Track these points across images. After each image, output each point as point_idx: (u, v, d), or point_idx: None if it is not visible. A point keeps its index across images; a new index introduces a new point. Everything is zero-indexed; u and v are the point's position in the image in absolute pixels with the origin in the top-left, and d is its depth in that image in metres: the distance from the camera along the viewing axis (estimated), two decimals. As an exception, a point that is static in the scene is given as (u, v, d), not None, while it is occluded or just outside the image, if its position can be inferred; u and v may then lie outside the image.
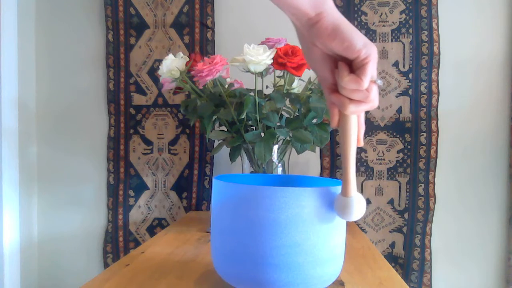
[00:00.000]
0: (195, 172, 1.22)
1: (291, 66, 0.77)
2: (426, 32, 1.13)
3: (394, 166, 1.16)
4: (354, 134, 0.44)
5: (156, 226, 1.24)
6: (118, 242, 1.24)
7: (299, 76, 0.80)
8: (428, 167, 1.14)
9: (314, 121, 0.87)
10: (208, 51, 1.20)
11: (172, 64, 0.87)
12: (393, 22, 1.15)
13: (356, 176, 1.17)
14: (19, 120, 1.22)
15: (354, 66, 0.41)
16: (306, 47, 0.43)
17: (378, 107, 1.16)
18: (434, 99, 1.14)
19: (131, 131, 1.24)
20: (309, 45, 0.42)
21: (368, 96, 0.41)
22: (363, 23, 1.16)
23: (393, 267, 1.09)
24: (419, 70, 1.14)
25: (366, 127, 1.15)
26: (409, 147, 1.15)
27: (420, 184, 1.14)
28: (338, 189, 0.48)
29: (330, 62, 0.42)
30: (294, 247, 0.45)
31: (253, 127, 0.89)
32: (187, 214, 1.20)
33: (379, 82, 0.43)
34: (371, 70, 0.40)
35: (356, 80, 0.40)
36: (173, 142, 1.24)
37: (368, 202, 1.17)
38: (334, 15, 0.40)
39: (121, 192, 1.24)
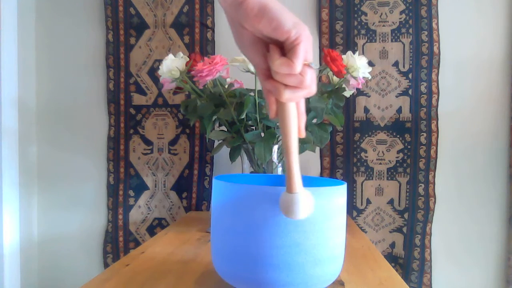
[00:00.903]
0: (195, 172, 1.22)
1: (291, 66, 0.77)
2: (426, 32, 1.13)
3: (394, 166, 1.16)
4: (295, 124, 0.41)
5: (156, 226, 1.24)
6: (118, 242, 1.24)
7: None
8: (428, 167, 1.14)
9: (314, 121, 0.87)
10: (208, 51, 1.20)
11: (172, 64, 0.86)
12: (393, 22, 1.15)
13: (356, 176, 1.17)
14: (19, 120, 1.22)
15: (285, 48, 0.38)
16: (236, 30, 0.40)
17: (378, 107, 1.16)
18: (434, 99, 1.14)
19: (131, 131, 1.24)
20: (238, 28, 0.39)
21: (303, 81, 0.38)
22: (363, 23, 1.16)
23: (393, 267, 1.09)
24: (419, 70, 1.14)
25: (366, 127, 1.16)
26: (409, 147, 1.15)
27: (420, 184, 1.14)
28: (338, 189, 0.48)
29: (261, 46, 0.40)
30: (294, 247, 0.45)
31: (253, 127, 0.89)
32: (187, 214, 1.20)
33: (313, 64, 0.39)
34: (303, 52, 0.37)
35: (287, 63, 0.37)
36: (173, 142, 1.24)
37: (368, 202, 1.17)
38: None
39: (121, 192, 1.24)
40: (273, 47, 0.38)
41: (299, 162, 0.42)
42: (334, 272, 0.50)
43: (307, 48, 0.38)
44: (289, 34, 0.37)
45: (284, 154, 0.42)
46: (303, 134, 0.42)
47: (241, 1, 0.37)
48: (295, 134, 0.41)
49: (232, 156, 0.88)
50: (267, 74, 0.40)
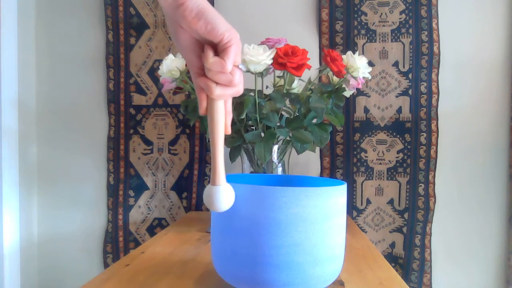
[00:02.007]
0: (195, 172, 1.22)
1: (291, 66, 0.77)
2: (426, 32, 1.13)
3: (394, 166, 1.16)
4: (222, 121, 0.44)
5: (156, 226, 1.24)
6: (118, 242, 1.24)
7: (299, 76, 0.80)
8: (428, 167, 1.14)
9: (314, 121, 0.87)
10: (208, 51, 1.20)
11: (172, 64, 0.87)
12: (393, 22, 1.15)
13: (356, 176, 1.17)
14: (19, 120, 1.22)
15: (218, 50, 0.42)
16: (173, 29, 0.43)
17: (378, 107, 1.16)
18: (434, 99, 1.14)
19: (131, 131, 1.24)
20: (176, 28, 0.43)
21: (232, 80, 0.42)
22: (363, 23, 1.16)
23: (393, 267, 1.09)
24: (419, 70, 1.14)
25: (366, 127, 1.16)
26: (409, 147, 1.15)
27: (420, 184, 1.14)
28: (338, 189, 0.48)
29: (197, 47, 0.43)
30: (294, 247, 0.45)
31: (253, 127, 0.89)
32: (187, 214, 1.20)
33: (242, 66, 0.44)
34: (234, 54, 0.42)
35: (220, 62, 0.41)
36: (173, 142, 1.24)
37: (368, 202, 1.17)
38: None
39: (121, 192, 1.24)
40: (208, 47, 0.42)
41: (223, 157, 0.45)
42: (334, 272, 0.50)
43: (237, 51, 0.42)
44: (222, 37, 0.41)
45: (210, 148, 0.45)
46: (229, 131, 0.46)
47: (181, 2, 0.40)
48: (222, 130, 0.45)
49: (232, 156, 0.88)
50: (200, 72, 0.44)
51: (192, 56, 0.44)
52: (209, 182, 1.24)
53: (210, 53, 0.41)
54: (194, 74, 0.44)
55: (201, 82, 0.43)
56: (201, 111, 0.45)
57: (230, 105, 0.46)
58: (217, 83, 0.42)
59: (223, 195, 0.45)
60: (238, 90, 0.44)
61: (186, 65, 0.88)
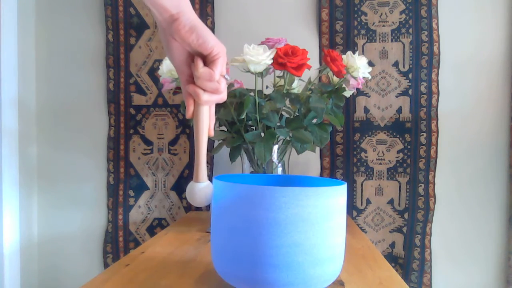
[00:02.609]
0: (195, 172, 1.22)
1: (291, 66, 0.77)
2: (426, 32, 1.13)
3: (394, 166, 1.16)
4: (206, 124, 0.50)
5: (156, 226, 1.24)
6: (118, 242, 1.24)
7: (299, 76, 0.80)
8: (428, 167, 1.14)
9: (314, 121, 0.87)
10: (208, 51, 1.20)
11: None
12: (393, 22, 1.16)
13: (356, 176, 1.17)
14: (19, 120, 1.22)
15: (207, 61, 0.47)
16: (166, 41, 0.48)
17: (378, 107, 1.16)
18: (434, 99, 1.14)
19: (131, 131, 1.24)
20: (169, 39, 0.47)
21: (218, 88, 0.47)
22: (363, 23, 1.16)
23: (393, 267, 1.09)
24: (419, 70, 1.14)
25: (366, 127, 1.16)
26: (409, 147, 1.15)
27: (420, 184, 1.14)
28: (338, 189, 0.48)
29: (187, 57, 0.48)
30: (294, 247, 0.45)
31: (253, 127, 0.89)
32: (187, 214, 1.20)
33: (227, 76, 0.50)
34: (221, 65, 0.47)
35: (209, 72, 0.46)
36: (173, 142, 1.24)
37: (368, 202, 1.17)
38: (191, 16, 0.46)
39: (121, 192, 1.24)
40: (198, 58, 0.47)
41: (206, 156, 0.52)
42: (334, 272, 0.50)
43: (223, 63, 0.47)
44: (212, 50, 0.46)
45: (195, 148, 0.51)
46: (212, 133, 0.52)
47: (176, 18, 0.45)
48: (206, 133, 0.50)
49: (232, 156, 0.88)
50: (189, 80, 0.49)
51: (183, 66, 0.49)
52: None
53: (200, 64, 0.46)
54: (184, 82, 0.49)
55: (190, 89, 0.47)
56: (188, 115, 0.49)
57: (213, 110, 0.51)
58: (204, 90, 0.47)
59: (204, 191, 0.50)
60: (222, 97, 0.49)
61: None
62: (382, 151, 1.17)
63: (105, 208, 1.26)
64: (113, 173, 1.24)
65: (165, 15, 0.45)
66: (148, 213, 1.24)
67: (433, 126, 1.14)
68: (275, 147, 0.87)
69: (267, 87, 0.93)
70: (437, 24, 1.13)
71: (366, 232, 1.17)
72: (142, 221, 1.25)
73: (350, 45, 1.16)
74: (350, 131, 1.17)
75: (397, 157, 1.16)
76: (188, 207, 1.23)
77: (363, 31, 1.16)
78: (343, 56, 0.88)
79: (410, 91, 1.15)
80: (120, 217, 1.24)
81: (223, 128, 0.93)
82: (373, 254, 0.75)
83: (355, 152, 1.17)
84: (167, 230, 0.93)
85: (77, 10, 1.27)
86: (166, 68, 0.87)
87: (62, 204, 1.28)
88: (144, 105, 1.24)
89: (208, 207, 1.22)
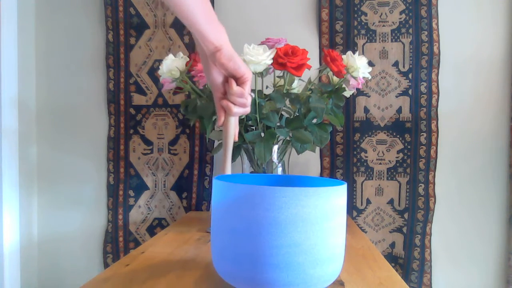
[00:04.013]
0: (195, 172, 1.22)
1: (291, 66, 0.77)
2: (426, 32, 1.13)
3: (394, 166, 1.16)
4: (233, 131, 0.61)
5: (156, 226, 1.24)
6: (118, 242, 1.24)
7: (299, 76, 0.80)
8: (428, 167, 1.14)
9: (314, 121, 0.87)
10: (208, 51, 1.20)
11: (172, 64, 0.87)
12: (393, 22, 1.15)
13: (356, 176, 1.17)
14: (19, 120, 1.22)
15: (238, 82, 0.59)
16: (207, 65, 0.60)
17: (378, 107, 1.16)
18: (434, 99, 1.14)
19: (131, 131, 1.24)
20: (209, 64, 0.60)
21: (246, 103, 0.60)
22: (363, 23, 1.16)
23: (393, 267, 1.09)
24: (419, 70, 1.14)
25: (366, 127, 1.16)
26: (409, 147, 1.15)
27: (420, 184, 1.14)
28: (338, 189, 0.48)
29: (222, 78, 0.61)
30: (294, 247, 0.45)
31: (253, 127, 0.89)
32: (187, 214, 1.20)
33: (252, 94, 0.65)
34: (249, 86, 0.60)
35: (240, 90, 0.58)
36: (173, 142, 1.24)
37: (368, 202, 1.17)
38: (229, 48, 0.57)
39: (121, 192, 1.24)
40: (231, 79, 0.59)
41: (231, 156, 0.62)
42: (334, 272, 0.50)
43: (250, 84, 0.60)
44: (243, 74, 0.58)
45: (223, 152, 0.61)
46: (237, 139, 0.63)
47: (218, 49, 0.56)
48: (233, 138, 0.61)
49: (232, 156, 0.88)
50: (222, 97, 0.61)
51: (219, 85, 0.61)
52: (209, 182, 1.24)
53: (234, 83, 0.59)
54: (218, 97, 0.61)
55: (223, 103, 0.60)
56: (219, 123, 0.61)
57: (237, 121, 0.62)
58: (235, 105, 0.59)
59: None
60: (247, 110, 0.61)
61: (186, 64, 0.88)
62: (382, 151, 1.17)
63: (105, 208, 1.26)
64: (113, 173, 1.24)
65: (210, 47, 0.56)
66: (148, 213, 1.24)
67: (433, 126, 1.14)
68: (275, 147, 0.87)
69: (267, 87, 0.93)
70: (437, 24, 1.13)
71: (366, 232, 1.17)
72: (142, 221, 1.25)
73: (350, 45, 1.16)
74: (350, 131, 1.17)
75: (397, 157, 1.16)
76: (188, 207, 1.23)
77: (363, 31, 1.16)
78: (343, 56, 0.88)
79: (410, 91, 1.15)
80: (120, 217, 1.24)
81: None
82: (373, 254, 0.75)
83: (355, 152, 1.17)
84: (167, 230, 0.93)
85: (77, 10, 1.27)
86: (166, 68, 0.87)
87: (62, 204, 1.28)
88: (144, 105, 1.24)
89: (208, 207, 1.22)
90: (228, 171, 0.60)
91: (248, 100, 0.60)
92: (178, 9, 0.52)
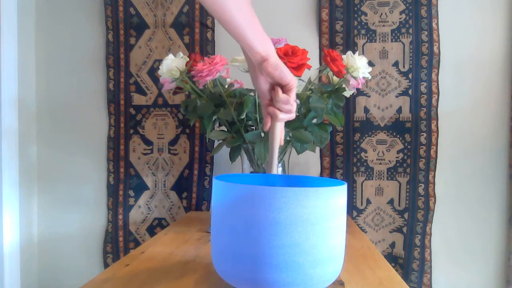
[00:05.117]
0: (195, 172, 1.22)
1: (291, 66, 0.77)
2: (426, 32, 1.13)
3: (394, 166, 1.16)
4: (279, 136, 0.63)
5: (156, 226, 1.24)
6: (118, 242, 1.24)
7: (299, 76, 0.80)
8: (428, 167, 1.14)
9: (314, 121, 0.87)
10: (208, 51, 1.20)
11: (172, 64, 0.87)
12: (393, 22, 1.15)
13: (356, 176, 1.17)
14: (19, 120, 1.22)
15: (284, 90, 0.61)
16: (254, 74, 0.63)
17: (378, 107, 1.16)
18: (434, 99, 1.14)
19: (131, 131, 1.24)
20: (256, 73, 0.62)
21: (291, 109, 0.62)
22: (363, 23, 1.16)
23: (393, 267, 1.09)
24: (419, 70, 1.14)
25: (366, 127, 1.16)
26: (409, 147, 1.15)
27: (420, 184, 1.14)
28: (338, 189, 0.48)
29: (269, 86, 0.63)
30: (294, 247, 0.45)
31: (253, 127, 0.89)
32: (187, 214, 1.20)
33: (297, 101, 0.69)
34: (294, 93, 0.62)
35: (286, 97, 0.61)
36: (173, 142, 1.24)
37: (368, 202, 1.17)
38: (276, 57, 0.60)
39: (121, 192, 1.24)
40: (278, 87, 0.61)
41: (277, 159, 0.63)
42: (334, 272, 0.50)
43: (295, 91, 0.62)
44: (290, 82, 0.60)
45: (270, 154, 0.63)
46: (283, 143, 0.64)
47: (265, 59, 0.59)
48: (278, 142, 0.63)
49: (232, 156, 0.88)
50: (269, 103, 0.63)
51: (265, 93, 0.63)
52: (209, 182, 1.24)
53: (280, 91, 0.61)
54: (265, 104, 0.64)
55: (270, 110, 0.62)
56: (265, 128, 0.64)
57: (283, 125, 0.65)
58: (280, 111, 0.61)
59: None
60: (293, 115, 0.63)
61: (186, 64, 0.88)
62: (382, 151, 1.17)
63: (105, 208, 1.26)
64: (113, 173, 1.24)
65: (257, 57, 0.59)
66: (148, 213, 1.24)
67: (433, 126, 1.14)
68: (275, 147, 0.86)
69: (267, 87, 0.93)
70: (437, 24, 1.13)
71: (366, 232, 1.17)
72: (142, 221, 1.25)
73: (350, 45, 1.16)
74: (350, 131, 1.17)
75: (397, 157, 1.16)
76: (188, 207, 1.23)
77: (363, 31, 1.16)
78: (343, 56, 0.88)
79: (410, 91, 1.15)
80: (120, 217, 1.24)
81: (223, 128, 0.93)
82: (373, 254, 0.75)
83: (355, 152, 1.17)
84: (167, 230, 0.93)
85: (77, 10, 1.27)
86: (166, 68, 0.87)
87: (62, 204, 1.28)
88: (144, 105, 1.24)
89: (208, 207, 1.22)
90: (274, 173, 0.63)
91: (294, 107, 0.62)
92: (226, 23, 0.55)
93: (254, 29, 0.58)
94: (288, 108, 0.62)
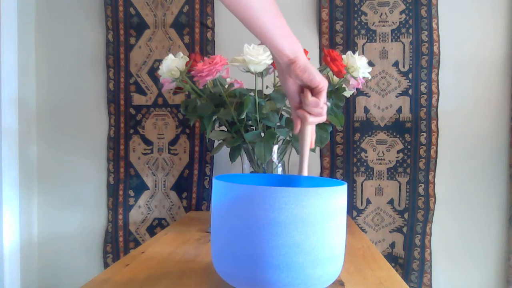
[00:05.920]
0: (195, 172, 1.22)
1: (291, 66, 0.77)
2: (426, 32, 1.13)
3: (394, 166, 1.16)
4: (309, 138, 0.62)
5: (156, 226, 1.24)
6: (118, 242, 1.24)
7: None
8: (428, 167, 1.14)
9: (314, 121, 0.87)
10: (208, 51, 1.20)
11: (172, 64, 0.87)
12: (393, 22, 1.15)
13: (356, 176, 1.17)
14: (19, 120, 1.22)
15: (314, 92, 0.59)
16: (283, 76, 0.61)
17: (378, 107, 1.16)
18: (434, 99, 1.14)
19: (131, 131, 1.24)
20: (285, 76, 0.61)
21: (321, 112, 0.60)
22: (363, 23, 1.16)
23: (393, 267, 1.09)
24: (419, 70, 1.14)
25: (366, 127, 1.16)
26: (409, 147, 1.15)
27: (420, 184, 1.14)
28: (338, 189, 0.48)
29: (298, 88, 0.61)
30: (294, 247, 0.45)
31: (253, 127, 0.89)
32: (187, 214, 1.20)
33: (328, 103, 0.64)
34: (324, 96, 0.59)
35: (315, 100, 0.59)
36: (173, 142, 1.24)
37: (368, 202, 1.17)
38: (304, 59, 0.57)
39: (121, 192, 1.24)
40: (307, 90, 0.60)
41: (308, 161, 0.62)
42: (334, 272, 0.50)
43: (325, 94, 0.60)
44: (319, 84, 0.58)
45: (300, 157, 0.62)
46: (313, 145, 0.63)
47: (294, 61, 0.57)
48: (309, 145, 0.62)
49: (232, 156, 0.88)
50: (298, 106, 0.62)
51: (295, 95, 0.61)
52: (209, 182, 1.24)
53: (309, 94, 0.59)
54: (294, 107, 0.62)
55: (299, 113, 0.61)
56: (295, 131, 0.63)
57: (314, 128, 0.63)
58: (310, 114, 0.60)
59: None
60: (323, 118, 0.61)
61: (186, 64, 0.88)
62: (382, 151, 1.17)
63: (105, 208, 1.26)
64: (113, 173, 1.24)
65: (285, 59, 0.57)
66: (148, 213, 1.24)
67: (433, 126, 1.14)
68: (275, 147, 0.86)
69: (267, 87, 0.93)
70: (437, 24, 1.13)
71: (366, 232, 1.17)
72: (142, 221, 1.25)
73: (350, 45, 1.16)
74: (350, 131, 1.17)
75: (397, 157, 1.16)
76: (188, 207, 1.23)
77: (363, 31, 1.16)
78: (343, 56, 0.88)
79: (410, 91, 1.15)
80: (120, 217, 1.24)
81: (223, 128, 0.93)
82: (373, 254, 0.75)
83: (355, 152, 1.17)
84: (167, 230, 0.93)
85: (77, 10, 1.27)
86: (166, 68, 0.86)
87: (62, 204, 1.28)
88: (144, 105, 1.24)
89: (208, 207, 1.22)
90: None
91: (324, 109, 0.60)
92: (251, 25, 0.53)
93: (281, 30, 0.55)
94: (317, 111, 0.59)
